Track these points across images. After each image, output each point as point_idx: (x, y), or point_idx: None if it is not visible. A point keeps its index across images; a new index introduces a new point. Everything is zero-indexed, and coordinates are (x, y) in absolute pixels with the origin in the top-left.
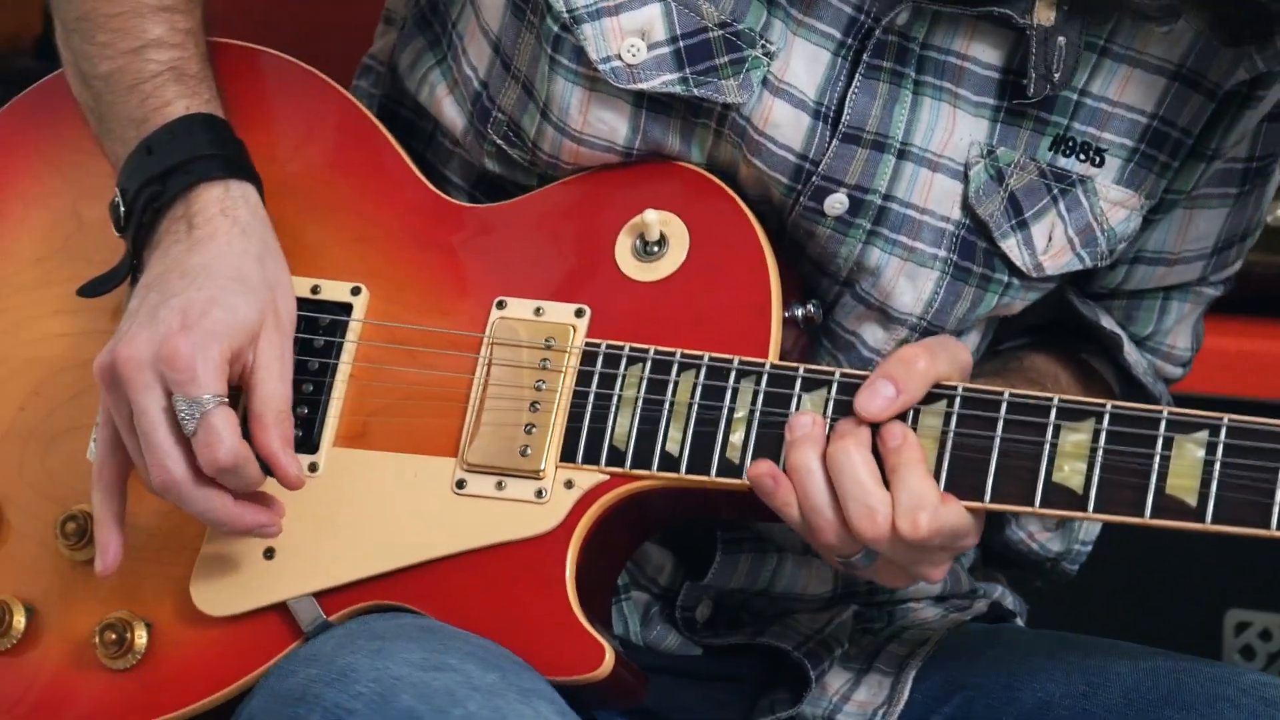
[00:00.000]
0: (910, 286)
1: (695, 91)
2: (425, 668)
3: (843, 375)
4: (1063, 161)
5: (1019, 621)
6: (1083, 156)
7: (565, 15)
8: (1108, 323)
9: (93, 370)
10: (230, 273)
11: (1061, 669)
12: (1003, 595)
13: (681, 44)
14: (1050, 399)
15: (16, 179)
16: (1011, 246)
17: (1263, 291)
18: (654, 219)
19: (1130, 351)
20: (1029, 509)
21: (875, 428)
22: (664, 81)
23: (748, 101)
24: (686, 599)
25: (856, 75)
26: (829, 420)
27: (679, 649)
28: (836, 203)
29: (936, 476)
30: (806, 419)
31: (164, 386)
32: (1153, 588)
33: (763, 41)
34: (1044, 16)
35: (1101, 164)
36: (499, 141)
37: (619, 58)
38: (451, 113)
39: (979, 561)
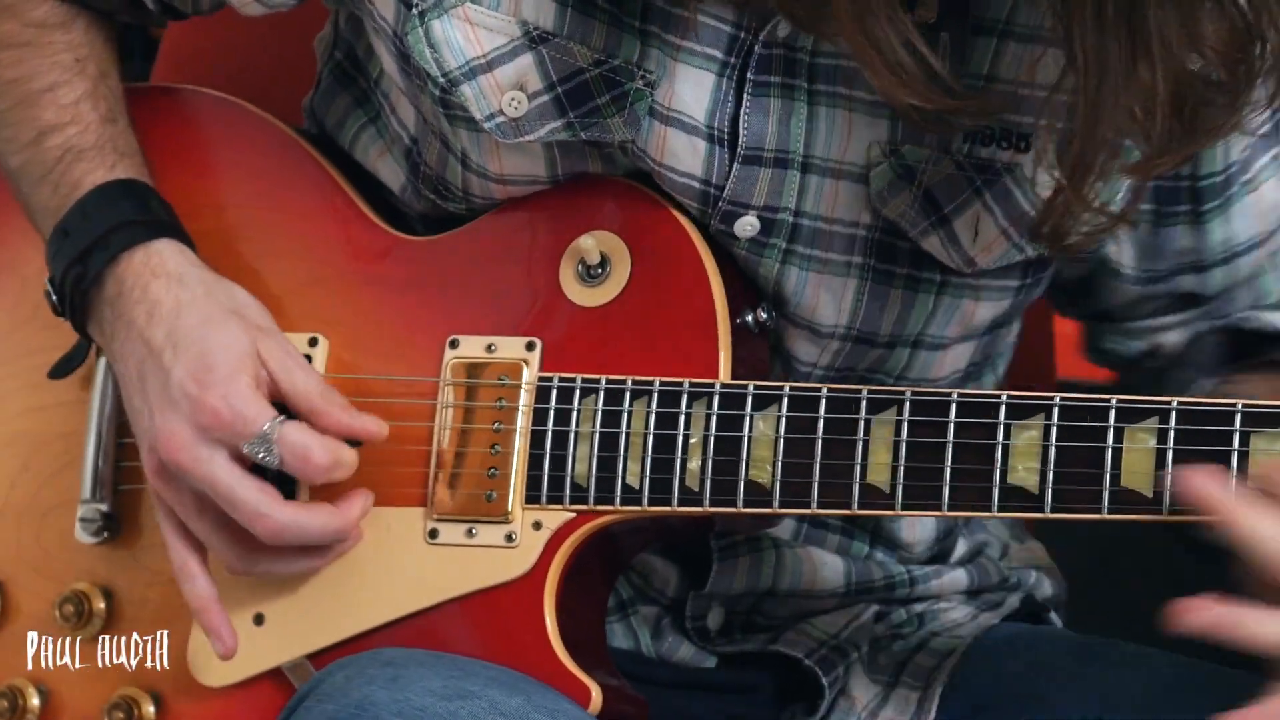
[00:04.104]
0: (831, 300)
1: (583, 135)
2: (448, 696)
3: (792, 389)
4: (983, 151)
5: (1054, 614)
6: (1005, 144)
7: (442, 80)
8: None
9: (149, 485)
10: (197, 321)
11: (1078, 687)
12: (1037, 583)
13: (560, 90)
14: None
15: None
16: (934, 245)
17: None
18: (590, 244)
19: None
20: None
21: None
22: (550, 130)
23: (638, 136)
24: (694, 608)
25: (745, 94)
26: (781, 437)
27: (693, 659)
28: (747, 225)
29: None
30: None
31: (224, 447)
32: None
33: (641, 72)
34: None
35: (1027, 148)
36: (431, 195)
37: (502, 113)
38: (387, 173)
39: (1010, 549)
